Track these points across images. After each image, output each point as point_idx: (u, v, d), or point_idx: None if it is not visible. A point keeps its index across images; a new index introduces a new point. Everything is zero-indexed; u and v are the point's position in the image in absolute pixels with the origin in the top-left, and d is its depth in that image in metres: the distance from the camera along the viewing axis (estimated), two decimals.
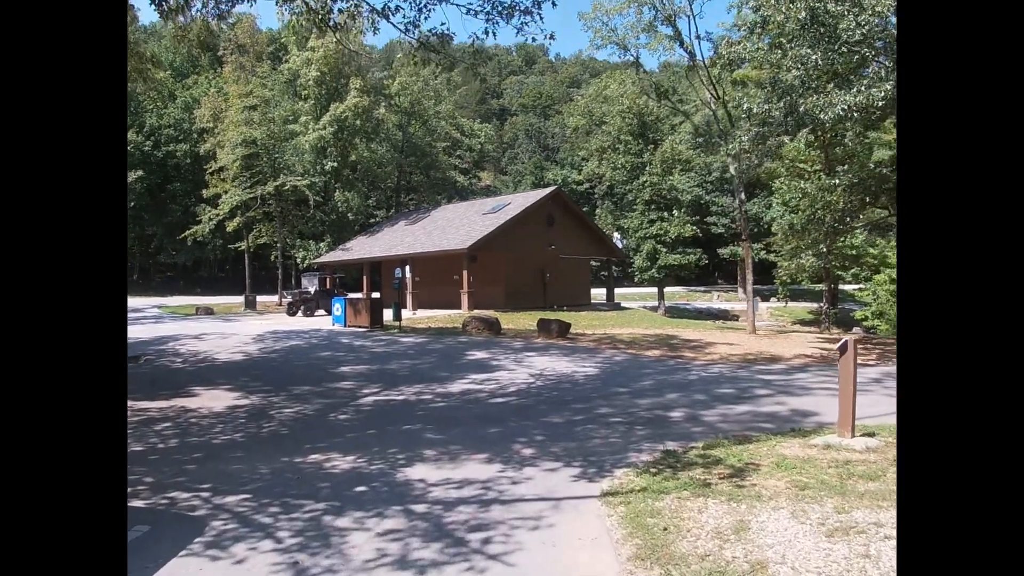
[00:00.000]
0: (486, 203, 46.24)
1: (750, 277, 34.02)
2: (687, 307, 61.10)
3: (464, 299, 36.35)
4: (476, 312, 32.03)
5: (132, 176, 61.77)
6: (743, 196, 34.57)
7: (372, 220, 60.68)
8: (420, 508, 6.83)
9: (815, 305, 59.86)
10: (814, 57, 19.24)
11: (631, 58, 34.23)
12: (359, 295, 37.83)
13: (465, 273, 36.49)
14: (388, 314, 28.82)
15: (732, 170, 33.85)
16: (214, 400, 12.91)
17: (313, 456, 8.84)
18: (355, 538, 6.03)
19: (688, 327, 34.84)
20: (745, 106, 22.67)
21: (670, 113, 65.71)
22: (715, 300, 71.56)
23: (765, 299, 72.15)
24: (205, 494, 7.31)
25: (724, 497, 6.96)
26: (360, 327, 27.56)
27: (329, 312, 37.38)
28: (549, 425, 10.95)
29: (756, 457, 8.50)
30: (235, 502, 7.03)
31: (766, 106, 21.31)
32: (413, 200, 62.80)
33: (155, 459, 8.80)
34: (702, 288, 77.85)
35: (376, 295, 37.37)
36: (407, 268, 31.19)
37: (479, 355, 19.98)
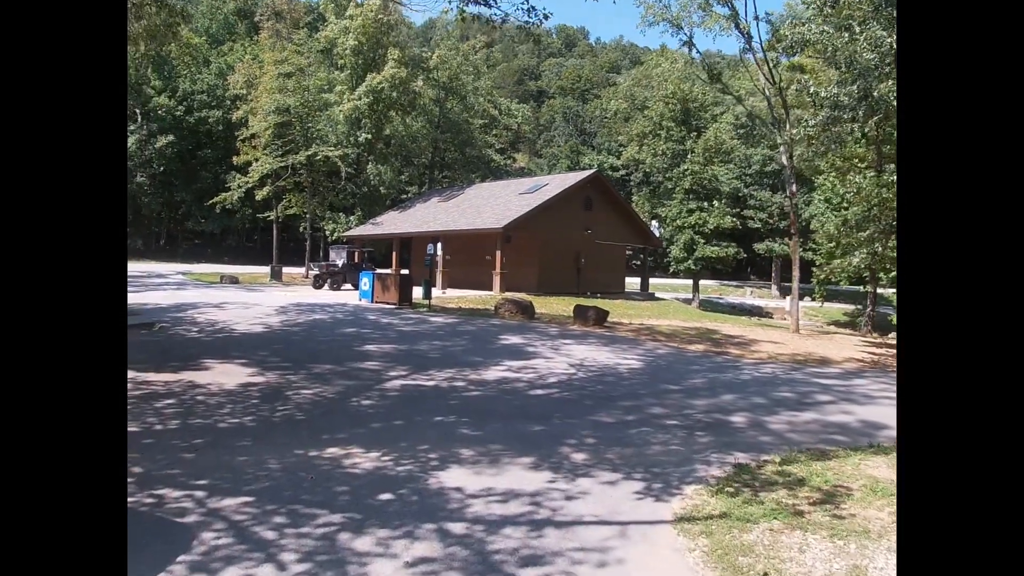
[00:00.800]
0: (523, 183, 44.89)
1: (796, 274, 32.56)
2: (720, 301, 59.62)
3: (496, 280, 35.08)
4: (509, 294, 30.76)
5: (163, 140, 61.22)
6: (794, 188, 32.93)
7: (404, 196, 59.46)
8: (458, 528, 5.56)
9: (850, 307, 58.24)
10: (889, 40, 17.83)
11: (684, 37, 32.61)
12: (388, 271, 36.63)
13: (499, 254, 35.19)
14: (417, 292, 27.61)
15: (784, 160, 32.34)
16: (226, 375, 11.72)
17: (331, 449, 7.61)
18: (378, 569, 4.78)
19: (727, 322, 33.57)
20: (812, 89, 21.20)
21: (714, 101, 64.08)
22: (748, 296, 70.10)
23: (799, 298, 70.49)
24: (200, 493, 6.09)
25: (825, 532, 5.78)
26: (388, 304, 26.38)
27: (356, 287, 36.34)
28: (599, 425, 9.69)
29: (843, 478, 7.36)
30: (234, 507, 5.80)
31: (835, 89, 19.82)
32: (447, 177, 61.40)
33: (149, 443, 7.59)
34: (734, 283, 76.25)
35: (405, 272, 36.14)
36: (439, 245, 29.94)
37: (514, 340, 18.75)
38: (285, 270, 45.65)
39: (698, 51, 33.15)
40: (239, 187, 46.27)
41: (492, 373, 13.57)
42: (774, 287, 75.09)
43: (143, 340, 15.44)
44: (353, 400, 10.41)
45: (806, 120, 23.36)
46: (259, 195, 46.39)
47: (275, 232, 49.54)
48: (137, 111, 62.24)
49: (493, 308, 26.19)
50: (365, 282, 27.65)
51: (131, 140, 61.02)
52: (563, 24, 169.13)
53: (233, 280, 39.01)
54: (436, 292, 30.51)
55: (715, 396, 12.55)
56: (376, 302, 26.82)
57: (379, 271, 30.55)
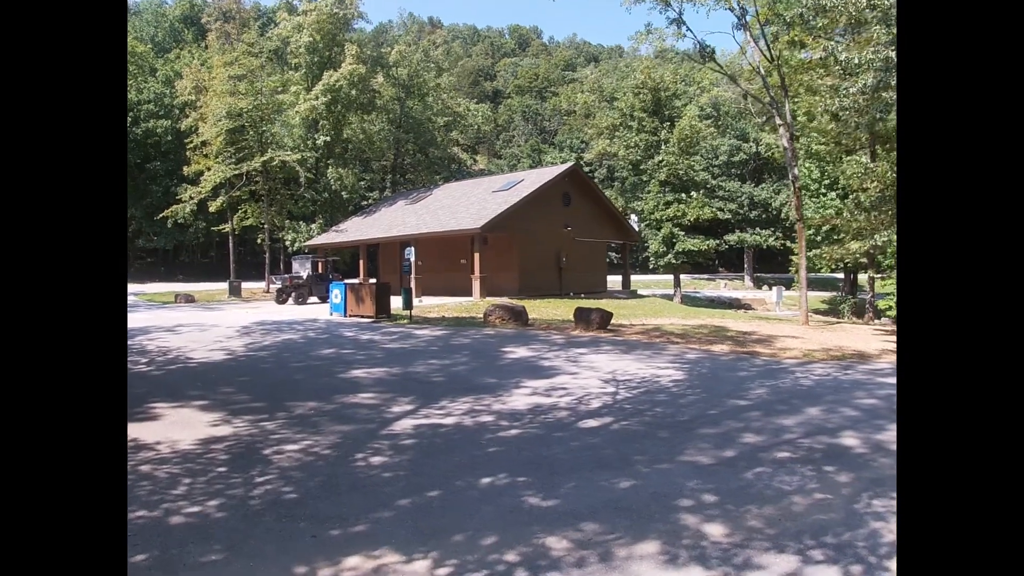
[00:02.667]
0: (495, 180, 42.27)
1: (803, 263, 30.25)
2: (698, 295, 57.56)
3: (475, 285, 32.40)
4: (491, 299, 28.19)
5: None
6: (796, 172, 30.58)
7: (365, 202, 56.39)
8: None
9: (824, 294, 56.74)
10: None
11: (672, 15, 30.02)
12: (356, 280, 33.66)
13: (477, 256, 32.56)
14: (394, 302, 24.78)
15: (784, 142, 29.97)
16: (181, 427, 8.84)
17: (351, 561, 4.80)
18: None
19: (725, 317, 31.42)
20: (843, 56, 18.75)
21: (683, 90, 62.01)
22: (722, 288, 68.27)
23: (772, 287, 68.89)
24: None
25: None
26: (364, 317, 23.52)
27: (323, 299, 33.57)
28: (700, 470, 7.06)
29: None
30: None
31: (884, 52, 17.38)
32: (409, 180, 58.25)
33: None
34: (705, 276, 74.46)
35: (380, 280, 33.23)
36: (411, 251, 26.99)
37: (520, 352, 16.08)
38: (245, 285, 42.49)
39: (688, 28, 30.64)
40: (191, 199, 42.89)
41: (518, 399, 10.85)
42: (747, 278, 73.50)
43: None
44: (358, 458, 7.55)
45: (842, 88, 20.57)
46: (213, 206, 43.13)
47: (231, 245, 46.16)
48: None
49: (482, 316, 23.51)
50: (336, 294, 24.73)
51: None
52: (516, 24, 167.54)
53: (189, 299, 35.83)
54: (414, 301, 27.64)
55: (797, 411, 10.10)
56: (350, 316, 23.94)
57: (349, 281, 27.55)
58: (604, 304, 32.14)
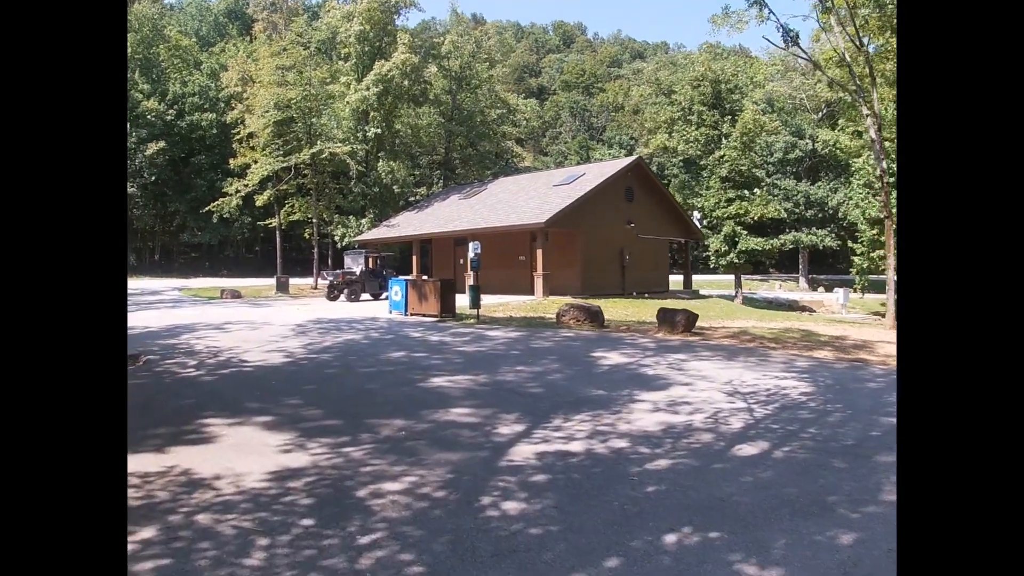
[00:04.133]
0: (554, 174, 40.34)
1: (892, 263, 27.89)
2: (754, 296, 55.05)
3: (538, 283, 30.49)
4: (564, 299, 26.26)
5: (154, 147, 56.51)
6: (884, 166, 28.28)
7: (414, 197, 54.74)
8: None
9: (883, 296, 54.21)
10: None
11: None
12: (415, 277, 31.82)
13: (539, 252, 30.65)
14: (457, 300, 22.98)
15: (872, 134, 27.71)
16: (244, 453, 7.04)
17: None
18: None
19: (802, 319, 29.24)
20: None
21: (748, 81, 59.76)
22: (778, 290, 65.69)
23: (828, 289, 66.22)
24: None
25: None
26: (427, 316, 21.73)
27: (376, 296, 31.92)
28: None
29: None
30: None
31: None
32: (459, 175, 56.44)
33: None
34: (758, 277, 71.87)
35: (437, 278, 31.42)
36: (478, 245, 25.02)
37: (614, 358, 14.14)
38: (292, 281, 40.98)
39: (771, 11, 28.38)
40: (237, 192, 41.42)
41: (641, 416, 8.93)
42: (802, 279, 70.81)
43: None
44: (486, 503, 5.64)
45: None
46: (259, 200, 41.63)
47: (278, 240, 44.67)
48: None
49: (554, 316, 21.62)
50: (396, 291, 22.96)
51: None
52: (560, 20, 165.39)
53: (235, 294, 34.33)
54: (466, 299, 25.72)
55: None
56: (411, 314, 22.17)
57: (409, 278, 25.74)
58: (673, 304, 30.21)
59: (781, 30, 27.54)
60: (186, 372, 12.11)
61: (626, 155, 76.81)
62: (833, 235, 65.51)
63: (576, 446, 7.49)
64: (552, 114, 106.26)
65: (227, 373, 11.90)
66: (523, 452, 7.21)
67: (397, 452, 7.11)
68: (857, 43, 27.27)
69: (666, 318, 19.69)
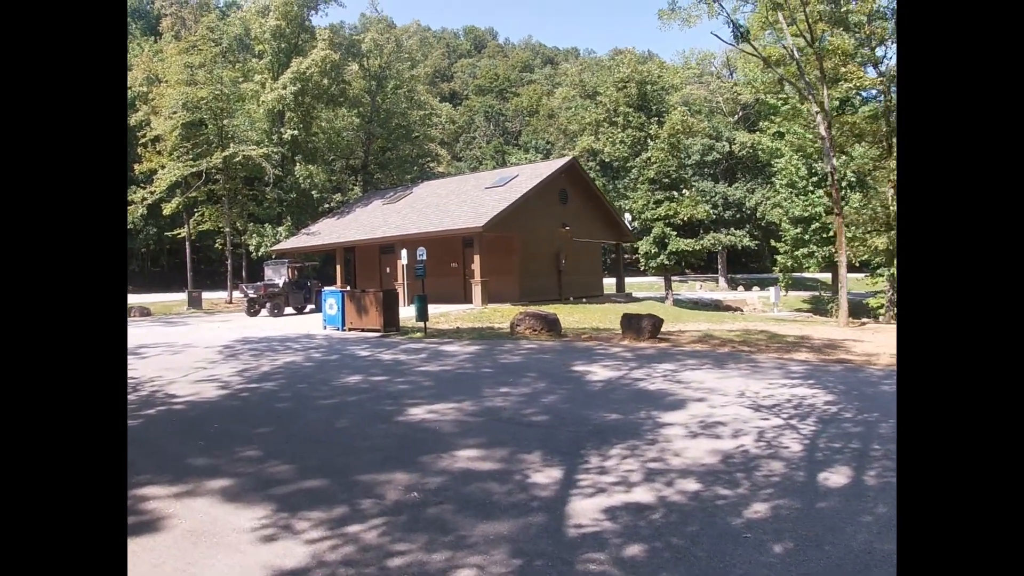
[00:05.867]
0: (484, 176, 38.56)
1: (843, 260, 27.10)
2: (679, 297, 54.45)
3: (476, 291, 28.68)
4: (523, 308, 24.60)
5: None
6: (835, 164, 27.40)
7: (328, 204, 52.21)
8: None
9: (807, 294, 54.54)
10: None
11: None
12: (345, 289, 29.40)
13: (477, 259, 28.81)
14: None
15: (822, 130, 26.79)
16: (206, 547, 5.04)
17: None
18: None
19: (745, 319, 28.59)
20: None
21: (674, 83, 59.13)
22: (699, 290, 65.53)
23: (748, 288, 66.30)
24: None
25: None
26: (369, 331, 19.64)
27: (299, 310, 29.57)
28: None
29: None
30: None
31: None
32: (378, 180, 53.91)
33: None
34: (677, 278, 71.61)
35: (373, 288, 29.18)
36: (423, 251, 22.80)
37: (599, 372, 12.60)
38: (205, 295, 38.05)
39: (721, 4, 27.09)
40: (143, 200, 38.19)
41: (686, 445, 7.41)
42: (721, 279, 70.92)
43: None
44: None
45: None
46: (167, 209, 38.36)
47: (188, 252, 41.54)
48: None
49: (508, 327, 19.83)
50: (332, 304, 20.75)
51: None
52: (471, 25, 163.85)
53: (144, 312, 31.46)
54: (403, 312, 23.57)
55: None
56: (350, 329, 20.05)
57: (346, 289, 23.36)
58: (607, 308, 28.86)
59: (731, 25, 26.39)
60: None
61: (543, 159, 75.57)
62: (749, 235, 65.58)
63: (642, 494, 5.90)
64: (466, 119, 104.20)
65: (154, 415, 9.64)
66: (585, 511, 5.52)
67: (423, 527, 5.21)
68: (808, 39, 26.30)
69: (631, 324, 18.16)
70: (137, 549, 4.89)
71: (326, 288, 23.14)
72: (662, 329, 18.53)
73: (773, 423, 8.41)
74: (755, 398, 10.01)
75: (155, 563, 4.70)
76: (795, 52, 27.03)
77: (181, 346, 17.36)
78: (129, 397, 10.93)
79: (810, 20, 25.91)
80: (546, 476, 6.42)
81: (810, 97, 27.22)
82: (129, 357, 15.55)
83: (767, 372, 12.51)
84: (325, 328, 20.70)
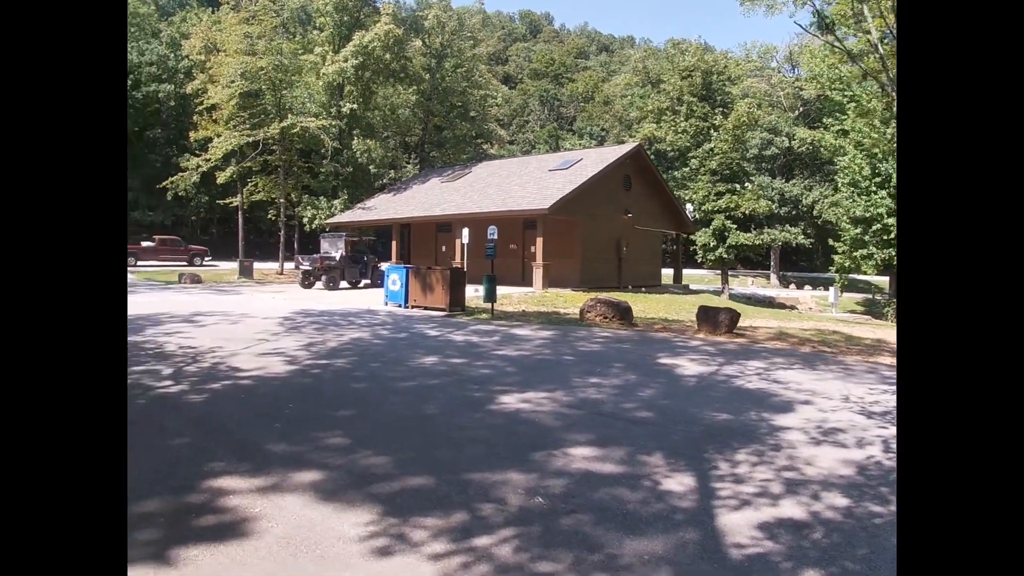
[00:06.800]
0: (547, 159, 37.54)
1: None
2: (735, 292, 53.09)
3: (536, 274, 27.77)
4: (556, 291, 23.90)
5: None
6: None
7: (385, 179, 51.56)
8: None
9: (859, 296, 52.93)
10: None
11: None
12: (410, 265, 28.51)
13: (540, 242, 27.89)
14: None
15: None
16: (308, 560, 4.22)
17: None
18: None
19: (816, 320, 27.18)
20: None
21: (737, 75, 57.53)
22: (750, 286, 64.01)
23: (799, 286, 64.63)
24: None
25: None
26: (433, 309, 18.80)
27: (354, 284, 28.89)
28: None
29: None
30: None
31: None
32: (434, 158, 53.06)
33: None
34: (730, 273, 70.16)
35: (451, 265, 28.41)
36: (495, 230, 21.77)
37: (688, 367, 11.62)
38: (256, 266, 37.55)
39: None
40: (197, 167, 37.78)
41: (814, 453, 6.60)
42: (773, 276, 69.20)
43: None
44: None
45: None
46: (221, 177, 37.87)
47: (240, 222, 41.12)
48: None
49: (577, 313, 18.91)
50: (395, 280, 19.94)
51: None
52: (527, 9, 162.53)
53: (195, 279, 30.93)
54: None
55: None
56: (413, 307, 19.23)
57: (411, 265, 22.44)
58: (669, 299, 27.84)
59: (817, 15, 25.05)
60: (163, 387, 9.07)
61: (597, 145, 74.27)
62: (804, 233, 63.88)
63: (792, 509, 5.18)
64: (520, 102, 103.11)
65: (220, 389, 8.86)
66: (739, 527, 4.76)
67: (563, 541, 4.37)
68: (893, 32, 24.90)
69: (707, 317, 17.15)
70: (226, 562, 4.05)
71: (385, 263, 22.38)
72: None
73: (893, 432, 7.53)
74: (862, 403, 9.16)
75: None
76: (879, 46, 25.64)
77: (238, 315, 16.66)
78: (190, 368, 10.22)
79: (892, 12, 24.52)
80: (678, 483, 5.56)
81: (893, 94, 25.81)
82: (185, 325, 14.96)
83: (862, 376, 11.50)
84: (386, 304, 19.92)
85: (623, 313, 18.16)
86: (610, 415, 7.85)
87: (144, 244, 43.90)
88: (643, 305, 24.11)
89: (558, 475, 5.67)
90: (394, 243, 35.52)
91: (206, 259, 43.70)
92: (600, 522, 4.72)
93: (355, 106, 41.11)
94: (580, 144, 79.65)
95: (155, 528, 4.60)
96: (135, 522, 4.66)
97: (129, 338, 13.05)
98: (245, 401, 8.24)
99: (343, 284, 28.73)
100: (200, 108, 39.18)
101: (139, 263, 41.74)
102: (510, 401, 8.36)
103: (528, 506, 4.98)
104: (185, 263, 42.63)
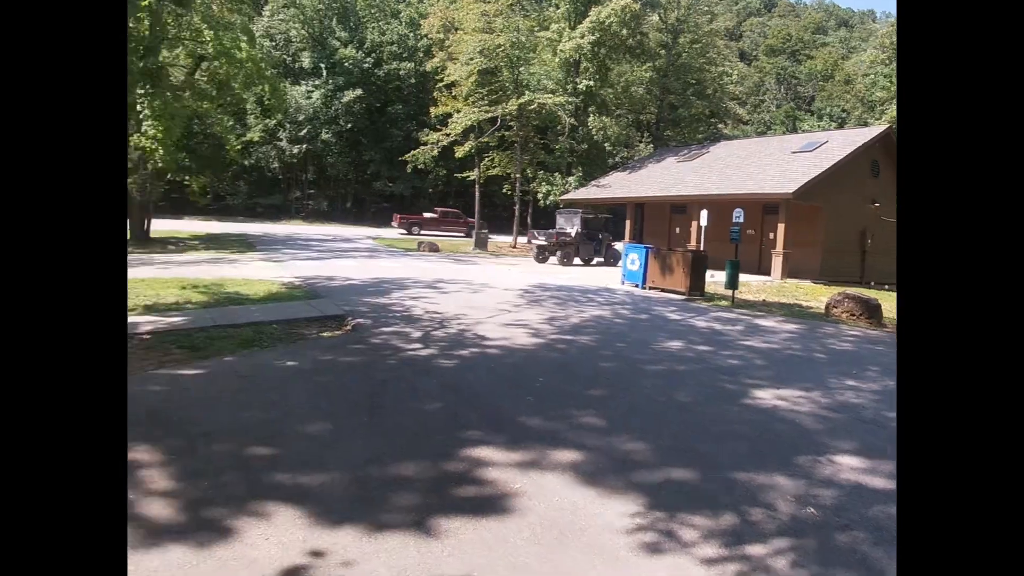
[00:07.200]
0: (788, 140, 35.84)
1: None
2: None
3: (776, 262, 26.62)
4: (795, 282, 22.52)
5: (351, 95, 55.54)
6: None
7: (619, 157, 51.14)
8: None
9: None
10: None
11: None
12: (649, 245, 28.13)
13: (781, 228, 26.67)
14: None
15: None
16: (574, 549, 4.13)
17: None
18: None
19: None
20: None
21: None
22: None
23: None
24: None
25: None
26: (672, 292, 18.35)
27: (586, 262, 28.82)
28: None
29: None
30: None
31: None
32: (668, 136, 52.10)
33: None
34: None
35: (692, 248, 27.97)
36: (740, 213, 20.97)
37: None
38: (491, 238, 38.53)
39: None
40: (437, 142, 39.20)
41: None
42: None
43: (321, 364, 8.27)
44: None
45: None
46: (460, 152, 39.12)
47: (476, 195, 42.25)
48: (322, 65, 57.21)
49: (822, 307, 17.82)
50: (634, 259, 19.66)
51: (316, 95, 56.26)
52: None
53: (433, 248, 32.14)
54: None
55: None
56: (650, 288, 18.87)
57: (651, 246, 22.05)
58: None
59: None
60: (412, 348, 9.34)
61: (836, 127, 70.19)
62: None
63: None
64: (756, 80, 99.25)
65: (468, 356, 8.99)
66: None
67: (842, 560, 4.10)
68: None
69: None
70: (490, 539, 3.98)
71: (619, 243, 22.11)
72: None
73: None
74: None
75: (515, 565, 3.75)
76: None
77: (478, 285, 17.02)
78: (437, 333, 10.47)
79: None
80: None
81: None
82: (428, 290, 15.44)
83: None
84: (623, 283, 19.69)
85: (872, 311, 16.93)
86: (872, 422, 7.22)
87: (426, 215, 47.47)
88: (890, 304, 22.49)
89: (827, 484, 5.24)
90: (627, 222, 35.22)
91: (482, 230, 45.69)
92: (879, 543, 4.29)
93: (591, 83, 41.02)
94: (819, 126, 75.78)
95: (413, 493, 4.64)
96: (391, 482, 4.71)
97: (377, 300, 13.66)
98: (494, 370, 8.30)
99: (576, 260, 28.80)
100: (439, 85, 40.54)
101: (422, 231, 45.13)
102: (765, 397, 7.90)
103: (800, 515, 4.61)
104: (463, 234, 45.03)
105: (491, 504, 4.53)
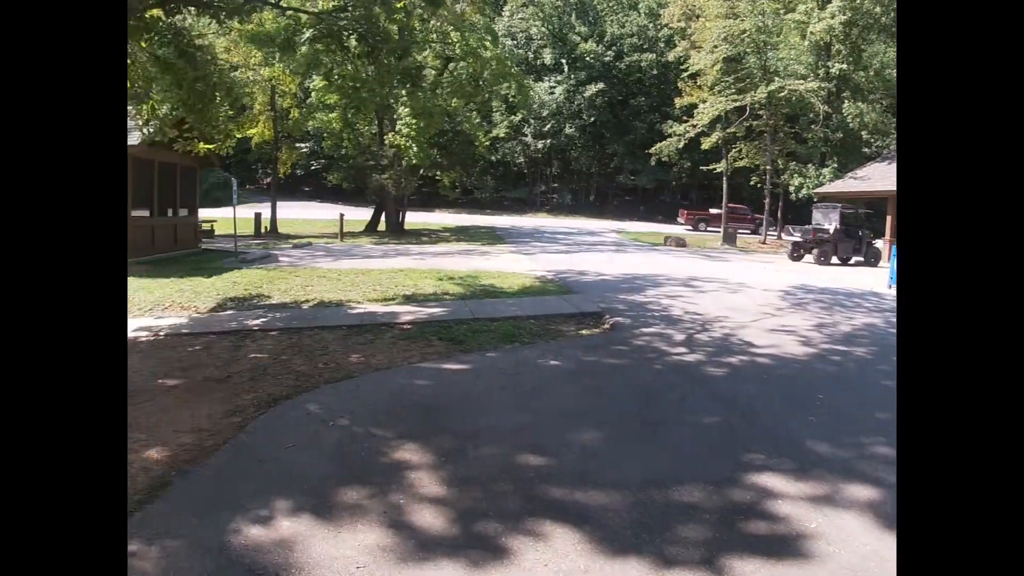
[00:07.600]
0: None
1: None
2: None
3: None
4: None
5: (593, 89, 56.18)
6: None
7: (875, 146, 48.07)
8: None
9: None
10: None
11: None
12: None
13: None
14: None
15: None
16: None
17: None
18: None
19: None
20: None
21: None
22: None
23: None
24: None
25: None
26: None
27: (844, 261, 27.20)
28: None
29: None
30: None
31: None
32: None
33: None
34: None
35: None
36: None
37: None
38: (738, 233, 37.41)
39: None
40: (684, 133, 38.45)
41: None
42: None
43: (584, 365, 8.23)
44: None
45: None
46: (706, 143, 38.24)
47: (724, 188, 41.09)
48: (563, 60, 58.09)
49: None
50: None
51: (558, 91, 57.51)
52: None
53: (680, 242, 31.64)
54: None
55: None
56: None
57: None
58: None
59: None
60: (677, 353, 9.08)
61: None
62: None
63: None
64: None
65: (737, 365, 8.61)
66: None
67: None
68: None
69: None
70: None
71: (880, 240, 20.54)
72: None
73: None
74: None
75: None
76: None
77: (735, 284, 16.42)
78: (701, 336, 10.16)
79: None
80: None
81: None
82: (684, 288, 15.12)
83: None
84: (890, 287, 18.28)
85: None
86: None
87: (712, 211, 46.98)
88: None
89: None
90: (888, 218, 32.91)
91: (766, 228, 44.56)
92: None
93: (844, 66, 38.60)
94: None
95: (700, 524, 4.42)
96: (675, 510, 4.48)
97: (631, 297, 13.51)
98: (767, 382, 7.90)
99: (833, 260, 27.17)
100: (683, 75, 39.78)
101: (708, 228, 45.20)
102: None
103: None
104: (750, 231, 44.04)
105: (787, 545, 4.22)
